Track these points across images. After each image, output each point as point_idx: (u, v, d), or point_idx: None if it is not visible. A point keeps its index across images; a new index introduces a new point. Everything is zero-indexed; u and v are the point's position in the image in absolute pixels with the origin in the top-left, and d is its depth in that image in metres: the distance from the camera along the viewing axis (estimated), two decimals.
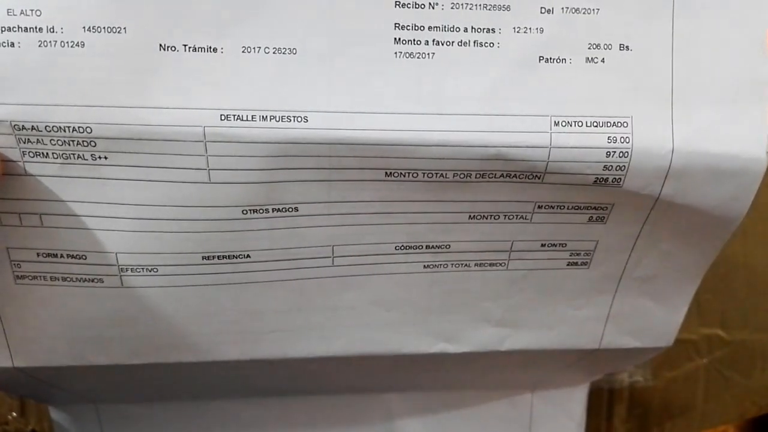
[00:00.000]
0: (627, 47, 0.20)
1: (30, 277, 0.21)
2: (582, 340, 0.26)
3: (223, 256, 0.22)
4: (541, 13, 0.20)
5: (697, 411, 0.34)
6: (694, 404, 0.34)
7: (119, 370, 0.24)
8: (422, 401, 0.32)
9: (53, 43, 0.18)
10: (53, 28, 0.18)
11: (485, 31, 0.20)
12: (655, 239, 0.23)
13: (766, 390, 0.34)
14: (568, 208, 0.22)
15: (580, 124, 0.20)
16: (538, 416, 0.33)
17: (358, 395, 0.31)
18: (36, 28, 0.18)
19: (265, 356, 0.24)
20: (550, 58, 0.20)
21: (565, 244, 0.23)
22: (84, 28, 0.19)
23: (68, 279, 0.22)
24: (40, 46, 0.18)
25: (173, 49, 0.19)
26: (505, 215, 0.22)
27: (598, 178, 0.21)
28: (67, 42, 0.19)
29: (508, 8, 0.20)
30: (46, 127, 0.19)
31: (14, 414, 0.33)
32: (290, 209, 0.21)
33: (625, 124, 0.20)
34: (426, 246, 0.23)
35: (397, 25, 0.20)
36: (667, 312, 0.26)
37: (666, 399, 0.34)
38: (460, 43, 0.20)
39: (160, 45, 0.19)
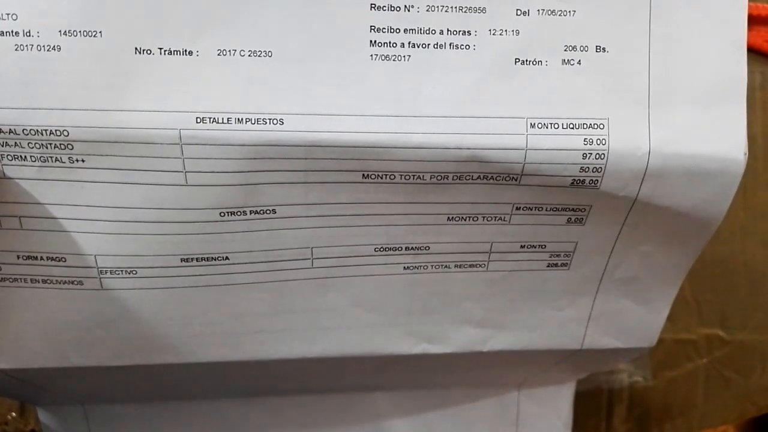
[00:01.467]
0: (603, 49, 0.20)
1: (10, 279, 0.22)
2: (564, 341, 0.26)
3: (202, 258, 0.22)
4: (516, 15, 0.20)
5: (697, 411, 0.34)
6: (694, 404, 0.34)
7: (104, 372, 0.25)
8: (409, 400, 0.32)
9: (30, 47, 0.19)
10: (29, 32, 0.19)
11: (461, 33, 0.20)
12: (635, 241, 0.23)
13: (766, 390, 0.33)
14: (546, 210, 0.22)
15: (556, 126, 0.20)
16: (525, 414, 0.33)
17: (345, 395, 0.31)
18: (12, 32, 0.18)
19: (246, 358, 0.24)
20: (526, 60, 0.20)
21: (545, 246, 0.23)
22: (60, 32, 0.19)
23: (48, 281, 0.22)
24: (16, 49, 0.19)
25: (149, 52, 0.19)
26: (484, 217, 0.22)
27: (575, 179, 0.21)
28: (44, 46, 0.19)
29: (483, 10, 0.20)
30: (23, 130, 0.19)
31: (14, 414, 0.33)
32: (268, 211, 0.21)
33: (601, 126, 0.20)
34: (405, 247, 0.23)
35: (372, 28, 0.20)
36: (649, 313, 0.26)
37: (666, 399, 0.34)
38: (436, 46, 0.20)
39: (136, 48, 0.19)
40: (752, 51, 0.27)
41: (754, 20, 0.21)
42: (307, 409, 0.31)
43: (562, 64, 0.20)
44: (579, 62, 0.20)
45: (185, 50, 0.19)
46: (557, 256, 0.24)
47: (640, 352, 0.28)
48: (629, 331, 0.26)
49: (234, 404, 0.31)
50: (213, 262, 0.22)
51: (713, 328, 0.31)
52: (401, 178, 0.21)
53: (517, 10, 0.20)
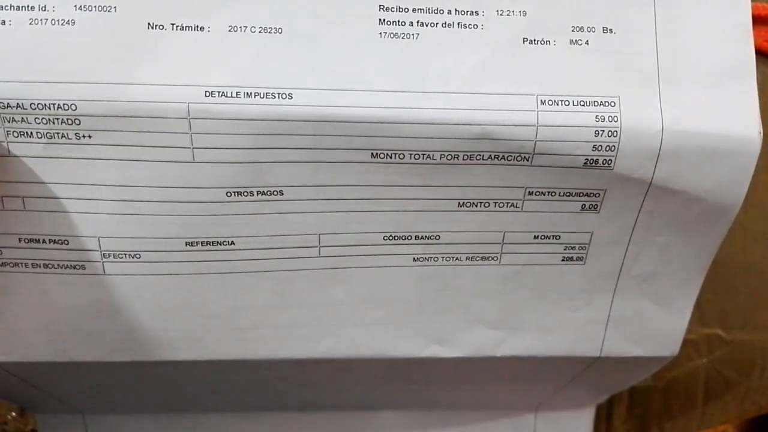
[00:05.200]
0: (610, 30, 0.21)
1: (11, 264, 0.21)
2: (582, 347, 0.25)
3: (207, 242, 0.21)
4: None
5: (697, 411, 0.33)
6: (694, 404, 0.33)
7: (102, 371, 0.24)
8: (420, 421, 0.30)
9: (44, 21, 0.19)
10: (45, 6, 0.19)
11: (468, 13, 0.20)
12: (652, 231, 0.23)
13: (766, 390, 0.33)
14: (559, 195, 0.22)
15: (567, 103, 0.20)
16: None
17: (352, 413, 0.30)
18: (28, 6, 0.19)
19: (250, 356, 0.23)
20: (534, 40, 0.20)
21: (559, 236, 0.23)
22: (75, 6, 0.19)
23: (50, 266, 0.21)
24: (30, 24, 0.19)
25: (161, 27, 0.19)
26: (496, 202, 0.22)
27: (588, 159, 0.20)
28: (58, 20, 0.19)
29: None
30: (31, 104, 0.19)
31: (14, 414, 0.32)
32: (275, 192, 0.21)
33: (612, 104, 0.20)
34: (415, 236, 0.22)
35: (381, 7, 0.20)
36: (670, 316, 0.25)
37: (666, 399, 0.33)
38: (444, 25, 0.20)
39: (149, 24, 0.19)
40: None
41: (754, 20, 0.21)
42: (313, 428, 0.30)
43: (570, 44, 0.20)
44: (587, 42, 0.20)
45: (197, 26, 0.19)
46: (572, 248, 0.23)
47: (661, 363, 0.26)
48: (650, 336, 0.25)
49: (236, 419, 0.29)
50: (218, 247, 0.21)
51: (713, 328, 0.31)
52: (411, 158, 0.20)
53: None
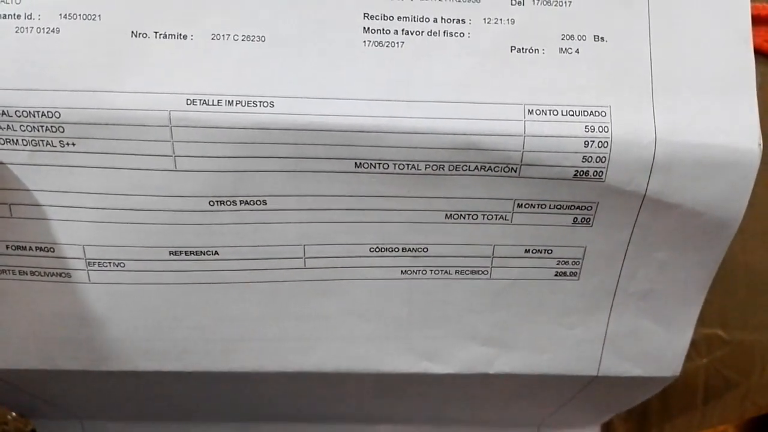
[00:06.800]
0: (602, 38, 0.20)
1: None
2: (578, 365, 0.24)
3: (191, 252, 0.21)
4: (511, 4, 0.20)
5: (697, 411, 0.33)
6: (694, 404, 0.32)
7: (93, 379, 0.24)
8: None
9: (30, 29, 0.19)
10: (31, 15, 0.19)
11: (455, 21, 0.20)
12: (649, 246, 0.22)
13: (766, 390, 0.32)
14: (549, 207, 0.21)
15: (555, 112, 0.20)
16: None
17: (349, 425, 0.29)
18: (14, 15, 0.19)
19: (237, 369, 0.23)
20: (522, 48, 0.20)
21: (551, 251, 0.22)
22: (60, 15, 0.19)
23: (36, 273, 0.21)
24: (16, 32, 0.19)
25: (144, 35, 0.19)
26: (484, 215, 0.21)
27: (578, 170, 0.20)
28: (44, 28, 0.19)
29: (477, 0, 0.20)
30: (16, 112, 0.19)
31: (14, 414, 0.32)
32: (258, 202, 0.20)
33: (603, 114, 0.20)
34: (402, 248, 0.22)
35: (366, 15, 0.20)
36: (671, 335, 0.24)
37: (666, 399, 0.32)
38: (430, 33, 0.20)
39: (132, 32, 0.19)
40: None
41: (754, 20, 0.20)
42: None
43: (560, 52, 0.20)
44: (577, 51, 0.20)
45: (180, 34, 0.19)
46: (565, 263, 0.22)
47: (663, 384, 0.25)
48: (650, 356, 0.24)
49: (231, 429, 0.29)
50: (202, 257, 0.21)
51: (713, 328, 0.31)
52: (395, 168, 0.20)
53: (511, 0, 0.20)
